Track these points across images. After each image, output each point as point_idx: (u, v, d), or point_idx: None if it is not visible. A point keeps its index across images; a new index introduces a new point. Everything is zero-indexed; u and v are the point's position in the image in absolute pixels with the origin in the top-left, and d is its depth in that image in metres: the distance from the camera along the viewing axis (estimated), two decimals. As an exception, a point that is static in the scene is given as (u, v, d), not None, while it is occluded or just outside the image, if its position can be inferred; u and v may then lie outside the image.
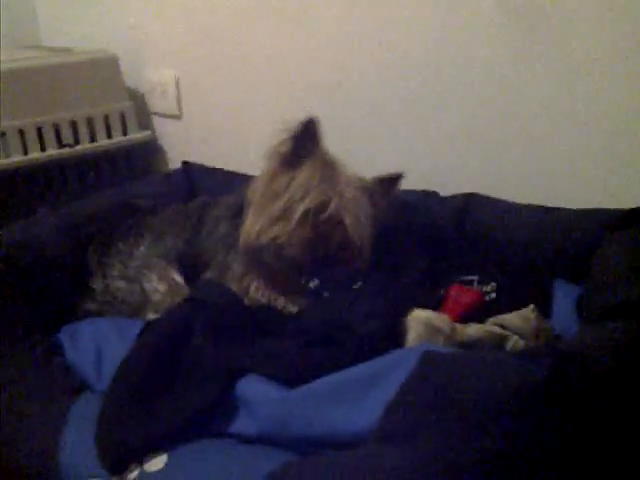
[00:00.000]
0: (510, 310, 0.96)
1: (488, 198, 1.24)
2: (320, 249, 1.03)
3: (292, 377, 0.81)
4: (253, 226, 1.05)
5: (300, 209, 1.02)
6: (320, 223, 1.03)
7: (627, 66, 1.11)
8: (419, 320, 0.88)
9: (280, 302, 1.05)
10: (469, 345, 0.88)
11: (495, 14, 1.21)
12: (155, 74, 1.79)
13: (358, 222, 1.05)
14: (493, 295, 1.07)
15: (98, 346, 0.98)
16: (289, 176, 1.04)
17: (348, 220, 1.04)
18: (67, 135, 1.61)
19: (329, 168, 1.06)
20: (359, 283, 1.00)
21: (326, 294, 1.01)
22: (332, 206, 1.03)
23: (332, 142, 1.09)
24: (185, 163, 1.54)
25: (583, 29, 1.14)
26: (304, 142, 1.05)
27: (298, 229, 1.02)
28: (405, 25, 1.33)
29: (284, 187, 1.04)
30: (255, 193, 1.08)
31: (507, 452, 0.57)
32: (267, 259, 1.05)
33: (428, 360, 0.67)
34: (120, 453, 0.78)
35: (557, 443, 0.58)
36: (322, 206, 1.03)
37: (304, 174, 1.04)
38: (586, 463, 0.60)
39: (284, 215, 1.03)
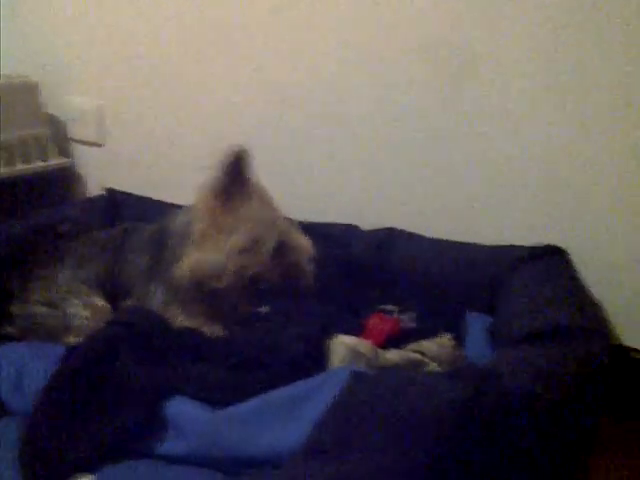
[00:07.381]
0: (427, 338, 1.01)
1: (407, 233, 1.29)
2: (291, 277, 1.08)
3: (220, 399, 0.82)
4: (203, 259, 1.06)
5: (270, 242, 1.06)
6: (283, 254, 1.08)
7: (547, 116, 1.18)
8: (343, 344, 0.91)
9: (209, 328, 1.06)
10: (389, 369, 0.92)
11: (420, 65, 1.28)
12: (78, 101, 1.78)
13: (308, 252, 1.12)
14: (412, 324, 1.12)
15: (18, 369, 0.96)
16: (233, 211, 1.07)
17: (302, 250, 1.11)
18: (-16, 158, 1.58)
19: (267, 199, 1.10)
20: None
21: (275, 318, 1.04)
22: (291, 237, 1.09)
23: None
24: (109, 189, 1.53)
25: (504, 78, 1.21)
26: (236, 174, 1.06)
27: (272, 260, 1.06)
28: (345, 75, 1.39)
29: (233, 222, 1.06)
30: (197, 230, 1.08)
31: (434, 464, 0.60)
32: (226, 288, 1.06)
33: (357, 379, 0.69)
34: (46, 474, 0.77)
35: (480, 456, 0.62)
36: (282, 238, 1.08)
37: (252, 208, 1.07)
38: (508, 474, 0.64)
39: (251, 248, 1.06)
